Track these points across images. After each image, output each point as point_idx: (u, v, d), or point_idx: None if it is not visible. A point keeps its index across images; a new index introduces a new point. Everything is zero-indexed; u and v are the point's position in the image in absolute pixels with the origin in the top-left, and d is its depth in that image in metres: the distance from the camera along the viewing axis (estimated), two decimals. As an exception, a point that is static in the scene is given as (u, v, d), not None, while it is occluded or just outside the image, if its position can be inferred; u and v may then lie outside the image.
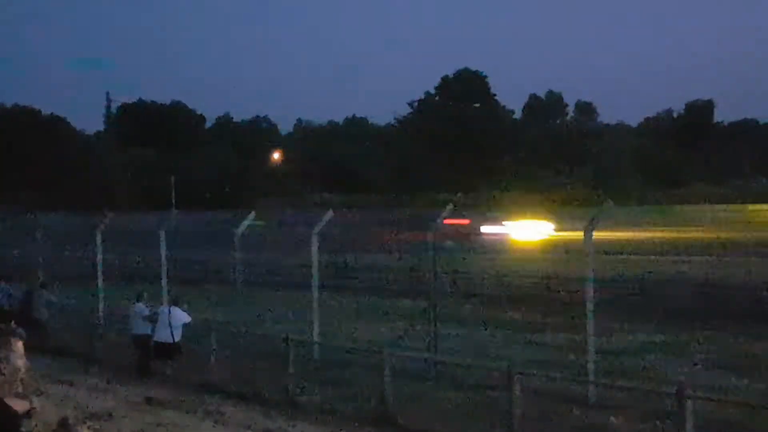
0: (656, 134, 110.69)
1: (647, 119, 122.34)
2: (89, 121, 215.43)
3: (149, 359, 19.89)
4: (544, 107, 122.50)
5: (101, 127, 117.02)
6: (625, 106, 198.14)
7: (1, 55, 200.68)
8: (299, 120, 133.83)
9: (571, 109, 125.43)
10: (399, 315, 26.00)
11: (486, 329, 24.21)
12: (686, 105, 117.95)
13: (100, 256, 25.96)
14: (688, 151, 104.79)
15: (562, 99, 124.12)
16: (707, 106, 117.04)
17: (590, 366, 15.60)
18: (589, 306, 15.73)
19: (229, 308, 24.62)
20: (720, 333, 22.92)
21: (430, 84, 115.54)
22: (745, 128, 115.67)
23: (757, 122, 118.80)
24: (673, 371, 18.21)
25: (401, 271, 36.27)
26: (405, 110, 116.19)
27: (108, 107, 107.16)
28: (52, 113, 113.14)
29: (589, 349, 15.69)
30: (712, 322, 24.12)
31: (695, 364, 19.12)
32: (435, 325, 18.63)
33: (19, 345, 4.57)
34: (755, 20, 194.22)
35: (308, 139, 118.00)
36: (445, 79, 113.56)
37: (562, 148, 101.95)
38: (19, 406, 4.57)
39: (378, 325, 24.93)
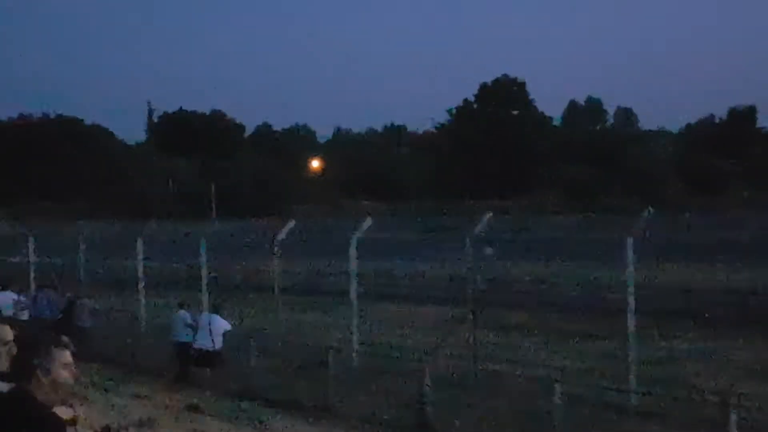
0: (697, 141, 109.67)
1: (688, 125, 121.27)
2: (131, 130, 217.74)
3: (190, 367, 20.03)
4: (584, 113, 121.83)
5: (143, 137, 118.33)
6: (666, 112, 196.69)
7: (44, 67, 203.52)
8: (338, 128, 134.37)
9: (611, 116, 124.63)
10: (439, 322, 25.94)
11: (527, 336, 24.09)
12: (729, 110, 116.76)
13: (141, 264, 26.20)
14: (731, 158, 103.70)
15: (602, 105, 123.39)
16: (750, 112, 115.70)
17: (632, 374, 15.47)
18: (630, 313, 15.62)
19: (271, 315, 24.72)
20: (764, 340, 22.61)
21: (469, 91, 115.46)
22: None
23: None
24: (716, 379, 18.00)
25: (441, 278, 36.18)
26: (444, 117, 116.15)
27: (149, 117, 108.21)
28: (94, 123, 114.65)
29: (631, 356, 15.56)
30: (755, 329, 23.81)
31: (738, 372, 18.88)
32: (475, 332, 18.58)
33: (65, 354, 4.61)
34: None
35: (347, 147, 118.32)
36: (483, 86, 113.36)
37: (601, 155, 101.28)
38: (63, 414, 4.61)
39: (418, 333, 24.88)
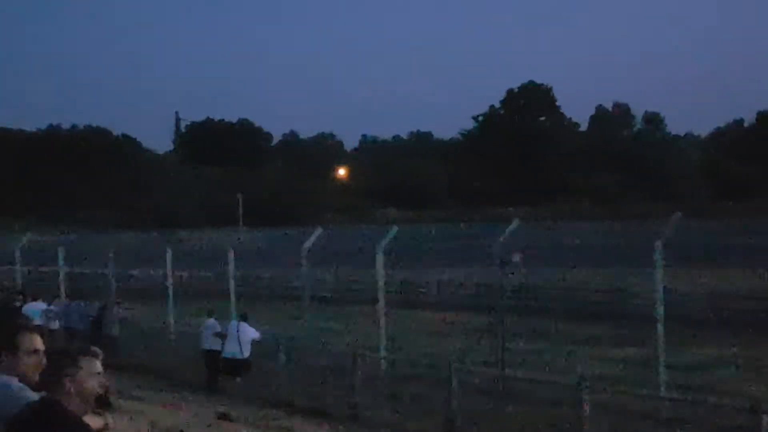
0: (726, 145, 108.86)
1: (717, 129, 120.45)
2: (159, 140, 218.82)
3: (219, 375, 20.11)
4: (611, 119, 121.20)
5: (170, 147, 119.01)
6: (694, 116, 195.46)
7: (73, 78, 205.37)
8: (364, 135, 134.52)
9: (638, 120, 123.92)
10: (466, 330, 25.90)
11: (555, 343, 24.00)
12: (757, 114, 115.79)
13: (170, 273, 26.35)
14: (760, 163, 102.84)
15: (629, 110, 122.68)
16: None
17: (661, 380, 15.37)
18: (660, 320, 15.52)
19: (298, 323, 24.76)
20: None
21: (495, 98, 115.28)
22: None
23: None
24: (746, 386, 17.84)
25: (469, 285, 36.17)
26: (470, 124, 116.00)
27: (177, 127, 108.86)
28: (122, 134, 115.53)
29: (660, 363, 15.46)
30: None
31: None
32: (503, 339, 18.53)
33: (94, 363, 4.64)
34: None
35: (373, 155, 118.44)
36: (510, 92, 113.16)
37: (628, 160, 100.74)
38: (93, 422, 4.65)
39: (446, 340, 24.86)
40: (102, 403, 5.00)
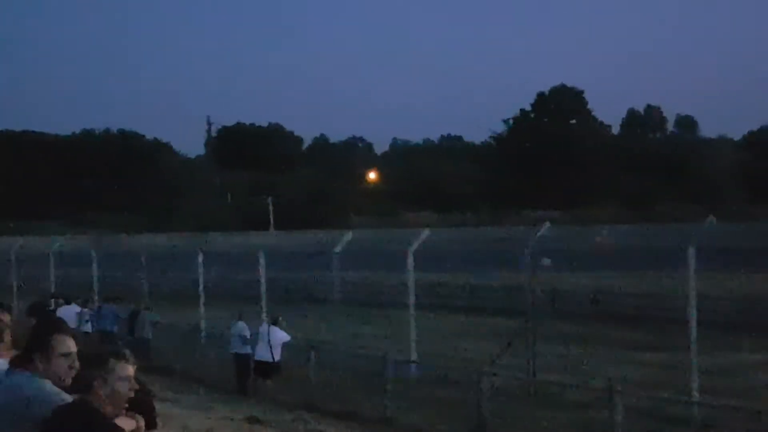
0: (760, 147, 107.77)
1: (750, 132, 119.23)
2: (190, 144, 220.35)
3: (249, 378, 20.18)
4: (643, 122, 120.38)
5: (201, 151, 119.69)
6: (727, 119, 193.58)
7: (106, 83, 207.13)
8: (394, 139, 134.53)
9: (670, 124, 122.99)
10: (497, 333, 25.83)
11: (586, 347, 23.86)
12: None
13: (202, 277, 26.53)
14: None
15: (661, 113, 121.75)
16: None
17: (694, 385, 15.25)
18: (692, 324, 15.41)
19: (329, 327, 24.83)
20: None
21: (526, 101, 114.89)
22: None
23: None
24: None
25: (499, 289, 36.06)
26: (500, 128, 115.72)
27: (208, 131, 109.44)
28: (155, 138, 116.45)
29: (693, 367, 15.34)
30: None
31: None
32: (533, 343, 18.47)
33: (125, 366, 4.68)
34: None
35: (403, 158, 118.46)
36: (540, 95, 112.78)
37: (661, 163, 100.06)
38: (126, 425, 4.69)
39: (476, 344, 24.79)
40: (145, 408, 5.04)
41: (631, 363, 21.66)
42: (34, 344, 4.72)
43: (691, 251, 15.65)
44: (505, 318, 27.94)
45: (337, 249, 22.59)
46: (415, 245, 20.71)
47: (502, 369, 18.65)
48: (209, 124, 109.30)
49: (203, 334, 24.75)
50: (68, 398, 4.55)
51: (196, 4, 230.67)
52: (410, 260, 20.78)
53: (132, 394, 4.61)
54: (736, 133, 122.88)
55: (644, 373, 20.04)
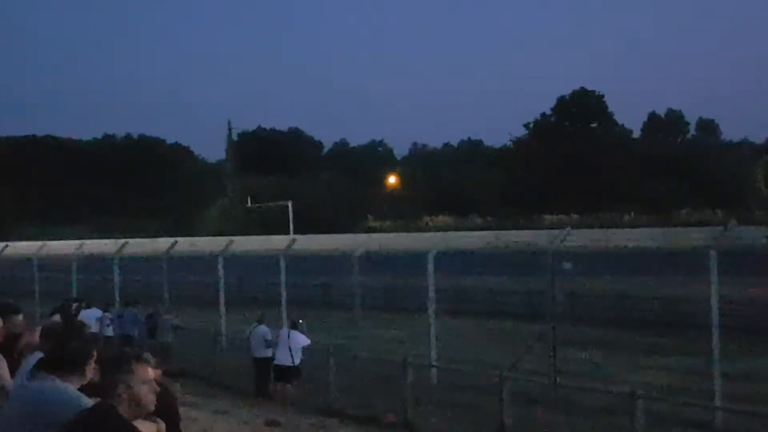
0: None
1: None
2: (211, 149, 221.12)
3: (270, 382, 20.20)
4: (664, 126, 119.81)
5: (222, 155, 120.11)
6: (749, 122, 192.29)
7: (127, 88, 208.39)
8: (414, 143, 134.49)
9: (692, 127, 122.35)
10: (519, 338, 25.75)
11: (607, 352, 23.75)
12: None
13: (222, 281, 26.61)
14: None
15: (683, 117, 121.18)
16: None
17: (716, 390, 15.15)
18: (715, 329, 15.31)
19: (350, 331, 24.83)
20: None
21: (546, 105, 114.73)
22: None
23: None
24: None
25: (520, 293, 35.95)
26: (521, 132, 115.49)
27: (229, 135, 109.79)
28: (176, 142, 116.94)
29: (715, 372, 15.24)
30: None
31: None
32: (554, 348, 18.40)
33: (146, 370, 4.69)
34: None
35: (423, 162, 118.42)
36: (561, 99, 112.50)
37: (683, 167, 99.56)
38: (146, 428, 4.69)
39: (496, 349, 24.73)
40: (167, 412, 5.05)
41: (653, 368, 21.55)
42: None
43: (713, 255, 15.55)
44: (528, 323, 27.87)
45: (358, 253, 22.59)
46: (435, 250, 20.68)
47: (524, 374, 18.59)
48: (230, 128, 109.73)
49: (224, 337, 24.80)
50: (89, 402, 4.56)
51: (213, 9, 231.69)
52: (430, 265, 20.76)
53: (154, 398, 4.62)
54: (758, 137, 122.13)
55: (666, 378, 19.92)
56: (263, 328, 20.89)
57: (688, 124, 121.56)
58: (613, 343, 25.31)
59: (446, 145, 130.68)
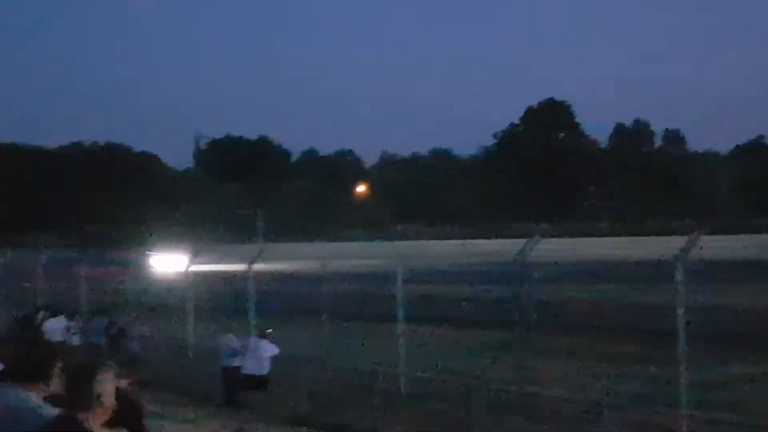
0: (747, 162, 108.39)
1: (738, 147, 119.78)
2: (178, 157, 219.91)
3: (238, 391, 20.10)
4: (631, 136, 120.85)
5: (190, 164, 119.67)
6: (715, 133, 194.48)
7: (95, 95, 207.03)
8: (384, 152, 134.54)
9: (659, 138, 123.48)
10: (488, 346, 25.76)
11: (575, 360, 23.82)
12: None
13: (190, 290, 26.43)
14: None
15: (650, 127, 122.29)
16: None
17: (684, 398, 15.23)
18: (681, 336, 15.40)
19: (319, 340, 24.74)
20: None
21: (515, 115, 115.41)
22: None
23: None
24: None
25: (490, 301, 35.98)
26: (490, 141, 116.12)
27: (197, 144, 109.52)
28: (143, 150, 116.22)
29: (682, 381, 15.32)
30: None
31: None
32: (522, 356, 18.43)
33: (111, 378, 4.64)
34: None
35: (393, 171, 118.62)
36: (529, 109, 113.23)
37: (649, 177, 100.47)
38: (111, 437, 4.64)
39: (467, 357, 24.73)
40: (133, 422, 4.99)
41: (622, 376, 21.63)
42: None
43: (680, 264, 15.66)
44: (496, 330, 27.89)
45: (325, 261, 22.55)
46: (405, 258, 20.70)
47: (493, 382, 18.60)
48: (197, 136, 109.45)
49: (192, 346, 24.64)
50: (52, 411, 4.50)
51: (181, 18, 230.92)
52: (399, 272, 20.77)
53: (117, 407, 4.56)
54: (724, 147, 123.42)
55: (634, 387, 20.01)
56: (231, 337, 20.78)
57: (654, 134, 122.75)
58: (582, 351, 25.39)
59: (415, 154, 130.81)
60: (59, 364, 4.85)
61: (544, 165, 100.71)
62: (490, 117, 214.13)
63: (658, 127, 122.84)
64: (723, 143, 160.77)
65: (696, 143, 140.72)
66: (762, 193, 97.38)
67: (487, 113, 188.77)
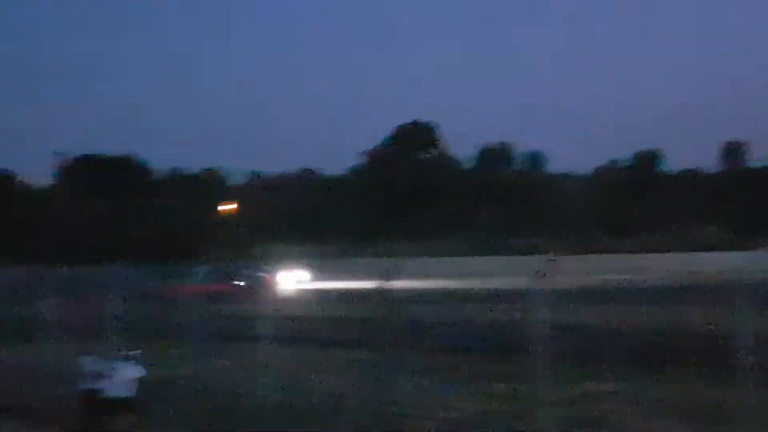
0: (605, 184, 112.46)
1: (597, 169, 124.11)
2: (39, 176, 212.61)
3: (99, 417, 19.57)
4: (495, 157, 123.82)
5: (50, 182, 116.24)
6: (576, 155, 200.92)
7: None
8: (253, 171, 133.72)
9: (520, 159, 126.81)
10: (353, 366, 25.79)
11: (436, 378, 24.07)
12: (634, 155, 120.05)
13: (47, 310, 25.67)
14: (636, 201, 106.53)
15: (512, 149, 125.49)
16: (654, 156, 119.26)
17: (542, 415, 15.59)
18: (539, 355, 15.78)
19: (187, 361, 24.33)
20: (678, 379, 22.87)
21: (382, 135, 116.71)
22: (692, 177, 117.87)
23: (702, 171, 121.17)
24: (632, 421, 18.20)
25: (355, 321, 36.06)
26: (356, 161, 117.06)
27: (56, 162, 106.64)
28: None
29: (541, 398, 15.68)
30: (667, 368, 24.11)
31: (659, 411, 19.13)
32: (384, 375, 18.58)
33: None
34: (702, 71, 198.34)
35: (260, 190, 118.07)
36: (395, 130, 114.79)
37: (512, 197, 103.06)
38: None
39: (331, 377, 24.73)
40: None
41: (480, 394, 21.88)
42: None
43: (533, 283, 16.10)
44: (362, 350, 27.96)
45: (192, 280, 22.25)
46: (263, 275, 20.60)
47: (358, 403, 18.68)
48: (58, 154, 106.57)
49: (49, 370, 23.87)
50: None
51: (41, 31, 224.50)
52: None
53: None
54: (584, 170, 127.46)
55: (491, 404, 20.32)
56: (91, 359, 20.22)
57: (515, 155, 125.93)
58: (441, 369, 25.62)
59: (283, 173, 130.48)
60: None
61: (409, 185, 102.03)
62: (358, 137, 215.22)
63: (521, 149, 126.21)
64: (585, 165, 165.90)
65: (558, 165, 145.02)
66: (611, 214, 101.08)
67: (355, 133, 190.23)
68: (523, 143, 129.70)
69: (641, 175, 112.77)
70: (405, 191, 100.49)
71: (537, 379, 15.81)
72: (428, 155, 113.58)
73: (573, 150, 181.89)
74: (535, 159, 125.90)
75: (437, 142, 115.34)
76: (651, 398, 20.77)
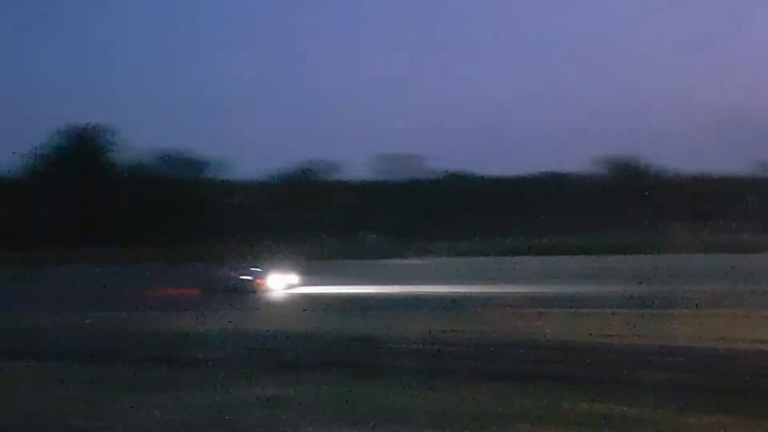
0: (277, 190, 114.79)
1: (271, 176, 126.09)
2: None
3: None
4: (178, 163, 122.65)
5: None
6: (255, 162, 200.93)
7: None
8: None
9: (206, 166, 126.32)
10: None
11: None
12: (308, 162, 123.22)
13: None
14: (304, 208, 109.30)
15: (194, 155, 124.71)
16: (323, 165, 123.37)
17: (208, 423, 16.31)
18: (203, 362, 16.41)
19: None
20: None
21: (59, 136, 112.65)
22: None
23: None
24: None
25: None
26: (31, 162, 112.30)
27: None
28: None
29: (202, 404, 16.17)
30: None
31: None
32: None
33: None
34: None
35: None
36: (62, 131, 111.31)
37: (185, 203, 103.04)
38: None
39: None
40: None
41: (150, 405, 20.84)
42: None
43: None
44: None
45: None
46: None
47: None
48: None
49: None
50: None
51: None
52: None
53: None
54: (258, 176, 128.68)
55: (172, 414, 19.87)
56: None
57: (199, 161, 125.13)
58: (103, 380, 24.49)
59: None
60: None
61: (84, 189, 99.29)
62: (35, 137, 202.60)
63: (205, 155, 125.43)
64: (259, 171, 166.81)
65: (240, 171, 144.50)
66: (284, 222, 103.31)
67: (32, 133, 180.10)
68: (207, 150, 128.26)
69: (307, 182, 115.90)
70: (79, 196, 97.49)
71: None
72: (103, 157, 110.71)
73: (254, 156, 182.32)
74: (213, 165, 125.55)
75: (110, 147, 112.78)
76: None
